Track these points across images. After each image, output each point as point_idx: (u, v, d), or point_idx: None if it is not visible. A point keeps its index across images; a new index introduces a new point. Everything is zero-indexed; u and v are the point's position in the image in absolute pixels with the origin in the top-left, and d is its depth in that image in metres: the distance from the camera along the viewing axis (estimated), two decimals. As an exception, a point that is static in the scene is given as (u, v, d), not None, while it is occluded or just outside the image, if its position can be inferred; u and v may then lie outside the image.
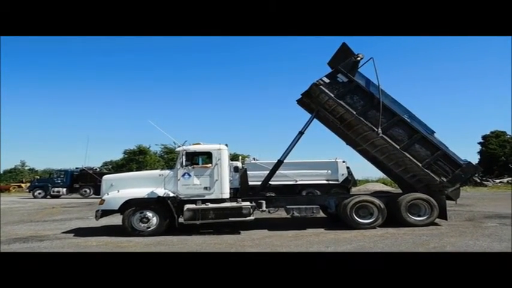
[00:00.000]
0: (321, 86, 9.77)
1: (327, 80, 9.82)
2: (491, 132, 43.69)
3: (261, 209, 9.66)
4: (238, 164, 11.83)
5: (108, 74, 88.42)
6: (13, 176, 53.63)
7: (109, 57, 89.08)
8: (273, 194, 13.39)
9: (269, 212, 10.13)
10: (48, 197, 27.95)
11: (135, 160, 44.37)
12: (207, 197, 9.18)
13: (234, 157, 20.60)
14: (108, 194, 9.23)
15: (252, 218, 9.16)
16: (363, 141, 10.58)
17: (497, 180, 34.96)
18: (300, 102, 11.30)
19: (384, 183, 34.77)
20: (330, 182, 19.66)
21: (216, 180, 9.27)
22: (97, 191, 26.01)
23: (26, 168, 58.69)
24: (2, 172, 53.73)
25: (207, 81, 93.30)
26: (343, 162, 20.09)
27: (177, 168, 9.34)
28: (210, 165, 9.37)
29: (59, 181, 28.61)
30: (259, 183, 11.11)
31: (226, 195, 9.37)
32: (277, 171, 11.06)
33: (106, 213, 9.17)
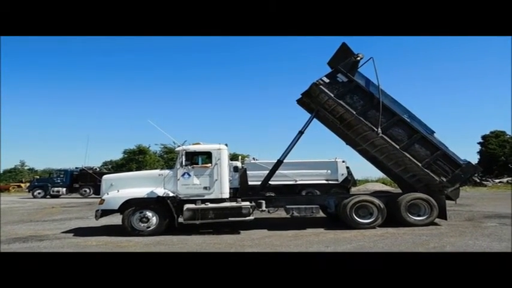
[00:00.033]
0: (321, 86, 9.77)
1: (326, 80, 9.82)
2: (491, 132, 43.72)
3: (260, 209, 9.67)
4: (238, 163, 11.85)
5: (108, 74, 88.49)
6: (13, 176, 53.59)
7: (109, 57, 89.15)
8: (273, 194, 13.40)
9: (269, 211, 10.13)
10: (48, 196, 27.93)
11: (135, 160, 44.36)
12: (206, 197, 9.18)
13: (233, 157, 20.59)
14: (107, 194, 9.23)
15: (251, 217, 9.16)
16: (362, 141, 10.59)
17: (497, 180, 34.98)
18: (299, 102, 11.30)
19: (383, 183, 34.77)
20: (330, 182, 19.66)
21: (216, 180, 9.27)
22: (97, 191, 26.03)
23: (26, 168, 58.65)
24: (1, 172, 53.76)
25: (207, 81, 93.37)
26: (343, 162, 20.09)
27: (176, 168, 9.35)
28: (209, 165, 9.37)
29: (59, 181, 28.61)
30: (259, 183, 11.10)
31: (226, 195, 9.37)
32: (276, 171, 11.06)
33: (106, 213, 9.17)
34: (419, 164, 9.62)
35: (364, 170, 34.35)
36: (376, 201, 9.66)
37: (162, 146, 47.09)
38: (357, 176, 26.21)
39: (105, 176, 10.16)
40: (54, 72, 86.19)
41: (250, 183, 10.64)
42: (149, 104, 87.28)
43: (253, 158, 22.56)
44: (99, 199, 9.39)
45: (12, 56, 78.50)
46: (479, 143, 44.46)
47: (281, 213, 10.57)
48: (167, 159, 45.02)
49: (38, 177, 35.95)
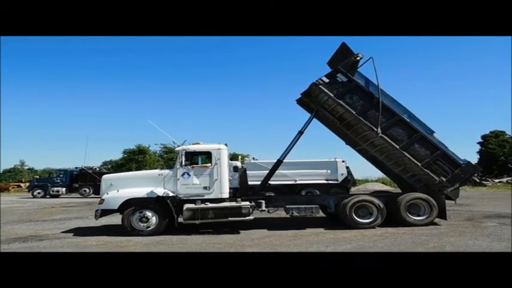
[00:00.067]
0: (321, 86, 9.78)
1: (326, 80, 9.82)
2: (491, 132, 43.76)
3: (260, 209, 9.67)
4: (238, 163, 11.83)
5: (108, 74, 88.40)
6: (12, 176, 53.52)
7: (109, 57, 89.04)
8: (273, 194, 13.40)
9: (268, 211, 10.13)
10: (48, 196, 27.92)
11: (135, 160, 44.35)
12: (206, 197, 9.18)
13: (233, 157, 20.58)
14: (107, 194, 9.23)
15: (251, 217, 9.16)
16: (362, 140, 10.59)
17: (497, 180, 35.01)
18: (299, 101, 11.30)
19: (383, 182, 34.81)
20: (330, 182, 19.68)
21: (216, 179, 9.27)
22: (96, 191, 26.04)
23: (25, 167, 58.58)
24: (1, 171, 53.71)
25: (207, 81, 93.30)
26: (343, 161, 20.11)
27: (176, 168, 9.34)
28: (209, 164, 9.37)
29: (59, 181, 28.62)
30: (259, 182, 11.10)
31: (226, 194, 9.37)
32: (276, 171, 11.06)
33: (105, 212, 9.17)
34: (419, 164, 9.62)
35: (364, 170, 34.47)
36: (376, 201, 9.67)
37: (162, 146, 47.17)
38: (357, 175, 26.29)
39: (104, 176, 10.16)
40: (54, 72, 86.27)
41: (250, 183, 10.64)
42: (149, 104, 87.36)
43: (253, 158, 22.57)
44: (99, 199, 9.39)
45: (12, 56, 78.55)
46: (478, 143, 44.54)
47: (281, 213, 10.57)
48: (167, 159, 45.02)
49: (37, 177, 35.94)
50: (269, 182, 11.23)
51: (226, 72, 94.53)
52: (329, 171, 19.85)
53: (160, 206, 9.08)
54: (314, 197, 12.42)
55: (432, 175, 9.63)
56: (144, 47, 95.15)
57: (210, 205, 9.01)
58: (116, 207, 9.06)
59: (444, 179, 9.66)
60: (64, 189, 28.35)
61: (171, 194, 9.10)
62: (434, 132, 10.15)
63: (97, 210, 9.17)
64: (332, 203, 10.02)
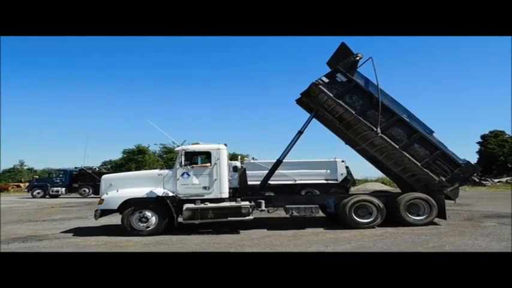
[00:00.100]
0: (320, 86, 9.78)
1: (326, 80, 9.82)
2: (490, 132, 43.84)
3: (260, 209, 9.67)
4: (238, 163, 11.83)
5: (108, 74, 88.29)
6: (12, 176, 53.46)
7: (109, 57, 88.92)
8: (272, 194, 13.37)
9: (268, 211, 10.13)
10: (47, 196, 27.89)
11: (134, 160, 44.34)
12: (206, 197, 9.18)
13: (233, 157, 20.60)
14: (107, 194, 9.23)
15: (251, 217, 9.16)
16: (362, 140, 10.60)
17: (496, 180, 35.05)
18: (299, 101, 11.30)
19: (383, 182, 34.81)
20: (329, 182, 19.68)
21: (215, 179, 9.27)
22: (96, 191, 26.03)
23: (25, 167, 58.53)
24: (1, 171, 53.63)
25: (207, 81, 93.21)
26: (342, 161, 20.11)
27: (176, 168, 9.34)
28: (209, 164, 9.37)
29: (58, 181, 28.58)
30: (259, 182, 11.10)
31: (226, 194, 9.37)
32: (276, 171, 11.07)
33: (105, 212, 9.16)
34: (419, 164, 9.63)
35: (364, 170, 34.59)
36: (376, 200, 9.67)
37: (162, 146, 47.13)
38: (356, 175, 26.33)
39: (104, 176, 10.15)
40: (54, 72, 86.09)
41: (249, 183, 10.64)
42: (149, 104, 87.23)
43: (253, 158, 22.55)
44: (99, 199, 9.39)
45: (12, 56, 78.41)
46: (478, 143, 44.63)
47: (280, 213, 10.58)
48: (166, 159, 45.00)
49: (37, 177, 35.89)
50: (269, 181, 11.24)
51: (226, 72, 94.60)
52: (329, 171, 19.85)
53: (160, 206, 9.08)
54: (314, 197, 12.42)
55: (432, 175, 9.64)
56: (144, 47, 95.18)
57: (209, 205, 9.01)
58: (115, 207, 9.06)
59: (444, 179, 9.67)
60: (64, 189, 28.32)
61: (170, 194, 9.10)
62: (433, 132, 10.17)
63: (97, 210, 9.16)
64: (332, 202, 10.03)
